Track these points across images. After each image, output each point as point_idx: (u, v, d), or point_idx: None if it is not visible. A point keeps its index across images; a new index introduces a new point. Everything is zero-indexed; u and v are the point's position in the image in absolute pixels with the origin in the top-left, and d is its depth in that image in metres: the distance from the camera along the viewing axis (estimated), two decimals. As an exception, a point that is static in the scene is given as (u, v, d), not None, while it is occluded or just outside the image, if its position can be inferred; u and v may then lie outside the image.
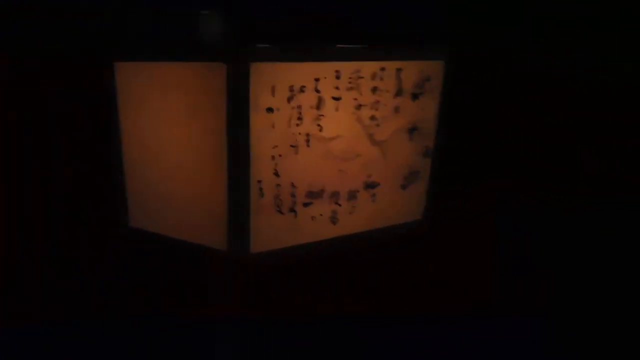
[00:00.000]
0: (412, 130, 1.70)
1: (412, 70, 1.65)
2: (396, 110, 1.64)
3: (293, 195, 1.54)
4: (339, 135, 1.56)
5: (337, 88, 1.52)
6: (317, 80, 1.47)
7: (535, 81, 1.86)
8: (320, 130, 1.52)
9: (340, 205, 1.64)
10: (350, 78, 1.53)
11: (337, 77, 1.51)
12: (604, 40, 1.83)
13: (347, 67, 1.52)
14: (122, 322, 1.46)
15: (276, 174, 1.49)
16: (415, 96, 1.68)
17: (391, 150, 1.68)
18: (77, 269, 1.34)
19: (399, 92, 1.63)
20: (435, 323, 1.73)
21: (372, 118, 1.60)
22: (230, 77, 1.37)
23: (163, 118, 1.56)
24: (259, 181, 1.47)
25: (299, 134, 1.49)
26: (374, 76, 1.57)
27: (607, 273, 1.61)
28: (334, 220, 1.64)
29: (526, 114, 1.86)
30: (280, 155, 1.48)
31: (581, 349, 1.55)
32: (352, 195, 1.65)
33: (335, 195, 1.61)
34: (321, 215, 1.61)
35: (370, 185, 1.68)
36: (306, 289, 1.78)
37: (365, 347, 1.68)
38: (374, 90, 1.58)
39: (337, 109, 1.53)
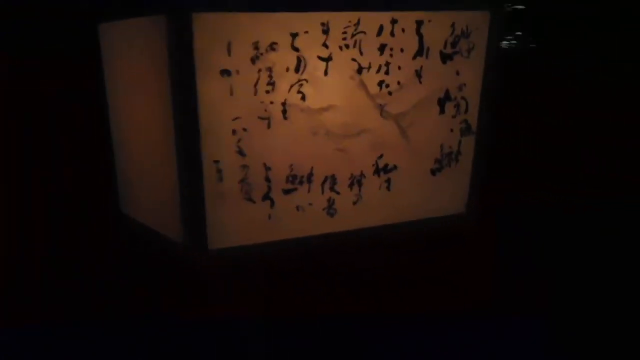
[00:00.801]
0: (444, 100, 1.37)
1: (440, 23, 1.31)
2: (418, 74, 1.32)
3: (268, 180, 1.27)
4: (331, 105, 1.26)
5: (325, 45, 1.23)
6: (294, 35, 1.20)
7: (536, 80, 1.58)
8: (303, 98, 1.24)
9: (338, 193, 1.35)
10: (344, 33, 1.23)
11: (325, 32, 1.22)
12: (605, 39, 1.61)
13: (338, 18, 1.22)
14: (121, 321, 1.36)
15: (240, 152, 1.23)
16: (446, 57, 1.34)
17: (413, 126, 1.35)
18: (77, 268, 1.24)
19: (420, 52, 1.31)
20: (435, 323, 1.58)
21: (382, 84, 1.30)
22: (170, 32, 1.14)
23: (126, 90, 1.37)
24: (216, 161, 1.22)
25: (271, 103, 1.21)
26: (380, 30, 1.27)
27: (607, 273, 1.49)
28: (330, 211, 1.36)
29: (526, 113, 1.58)
30: (244, 130, 1.21)
31: (581, 349, 1.45)
32: (356, 182, 1.35)
33: (330, 181, 1.33)
34: (311, 205, 1.33)
35: (382, 169, 1.37)
36: (288, 297, 1.53)
37: (365, 347, 1.53)
38: (382, 48, 1.27)
39: (326, 73, 1.25)
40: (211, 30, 1.14)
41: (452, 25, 1.32)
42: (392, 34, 1.27)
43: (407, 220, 1.43)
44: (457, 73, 1.36)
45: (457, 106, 1.39)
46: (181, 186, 1.23)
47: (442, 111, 1.37)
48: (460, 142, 1.42)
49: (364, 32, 1.24)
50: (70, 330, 1.42)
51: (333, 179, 1.33)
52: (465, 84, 1.37)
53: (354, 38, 1.24)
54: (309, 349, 1.51)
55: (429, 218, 1.46)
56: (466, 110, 1.40)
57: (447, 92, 1.36)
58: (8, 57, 1.11)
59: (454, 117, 1.39)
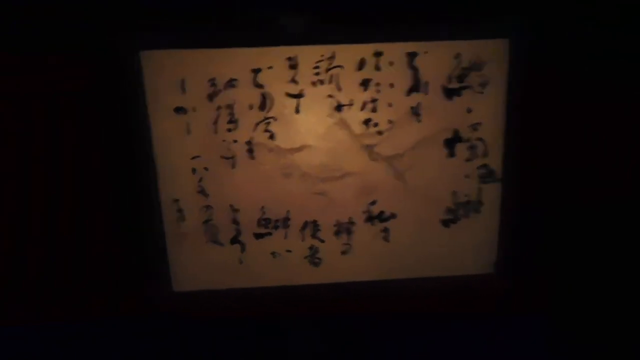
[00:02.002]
0: (453, 141, 1.23)
1: (439, 55, 1.18)
2: (415, 112, 1.21)
3: (236, 222, 1.26)
4: (305, 145, 1.21)
5: (293, 81, 1.18)
6: (256, 70, 1.17)
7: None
8: (272, 137, 1.20)
9: (322, 241, 1.29)
10: (316, 67, 1.17)
11: (292, 67, 1.17)
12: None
13: (309, 52, 1.16)
14: (121, 321, 1.44)
15: (203, 192, 1.23)
16: (452, 93, 1.21)
17: (413, 170, 1.24)
18: (77, 268, 1.36)
19: (415, 87, 1.20)
20: (435, 323, 1.47)
21: (368, 123, 1.21)
22: (118, 70, 1.17)
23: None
24: (176, 200, 1.24)
25: (234, 141, 1.20)
26: (362, 64, 1.18)
27: (607, 272, 1.40)
28: (312, 260, 1.30)
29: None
30: (206, 169, 1.21)
31: (581, 349, 1.43)
32: (344, 229, 1.28)
33: (310, 227, 1.27)
34: (289, 252, 1.29)
35: (377, 217, 1.27)
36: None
37: (365, 347, 1.47)
38: (365, 84, 1.19)
39: (298, 110, 1.20)
40: (162, 68, 1.15)
41: (457, 56, 1.18)
42: (377, 67, 1.18)
43: (412, 277, 1.31)
44: (469, 110, 1.22)
45: (472, 148, 1.24)
46: (140, 225, 1.27)
47: (451, 154, 1.24)
48: (480, 189, 1.28)
49: (341, 67, 1.17)
50: (70, 330, 1.47)
51: (314, 225, 1.27)
52: (480, 123, 1.23)
53: (330, 73, 1.17)
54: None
55: (443, 277, 1.33)
56: (485, 154, 1.25)
57: (456, 132, 1.23)
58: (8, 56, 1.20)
59: (468, 160, 1.24)
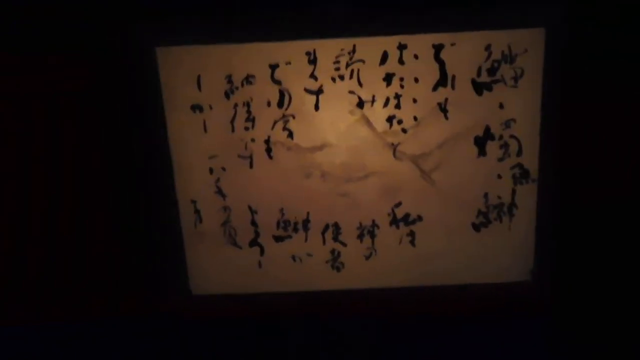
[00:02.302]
0: (484, 139, 1.16)
1: (468, 46, 1.12)
2: (441, 108, 1.15)
3: (254, 224, 1.22)
4: (326, 143, 1.16)
5: (313, 77, 1.14)
6: (273, 66, 1.13)
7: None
8: (290, 136, 1.16)
9: (344, 244, 1.24)
10: (336, 62, 1.13)
11: (311, 62, 1.13)
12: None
13: (328, 46, 1.12)
14: (121, 321, 1.44)
15: (220, 192, 1.20)
16: (482, 87, 1.14)
17: (440, 170, 1.18)
18: (77, 268, 1.36)
19: (442, 82, 1.14)
20: (435, 323, 1.39)
21: (392, 120, 1.16)
22: (133, 67, 1.15)
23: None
24: (193, 201, 1.21)
25: (252, 140, 1.16)
26: (385, 58, 1.13)
27: (607, 273, 1.38)
28: (335, 265, 1.25)
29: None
30: (223, 169, 1.18)
31: (581, 349, 1.40)
32: (367, 232, 1.23)
33: (332, 230, 1.22)
34: (310, 255, 1.24)
35: (402, 220, 1.21)
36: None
37: (364, 347, 1.40)
38: (389, 79, 1.14)
39: (317, 107, 1.15)
40: (178, 65, 1.13)
41: (488, 47, 1.11)
42: (400, 61, 1.12)
43: (441, 284, 1.25)
44: (501, 106, 1.15)
45: (505, 147, 1.17)
46: (157, 227, 1.24)
47: (482, 153, 1.17)
48: (514, 191, 1.21)
49: (363, 61, 1.13)
50: (70, 330, 1.47)
51: (336, 227, 1.22)
52: (514, 120, 1.16)
53: (350, 68, 1.13)
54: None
55: (475, 284, 1.26)
56: (519, 153, 1.18)
57: (487, 129, 1.16)
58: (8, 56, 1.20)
59: (501, 160, 1.18)
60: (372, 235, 1.23)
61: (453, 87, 1.14)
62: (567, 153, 1.22)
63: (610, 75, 1.22)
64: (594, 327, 1.36)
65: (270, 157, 1.18)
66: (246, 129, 1.16)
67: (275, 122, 1.16)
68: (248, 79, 1.13)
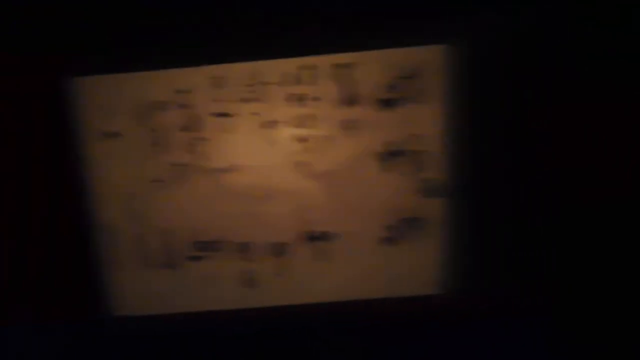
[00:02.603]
0: (389, 155, 1.21)
1: (371, 65, 1.17)
2: (346, 126, 1.19)
3: (169, 246, 1.24)
4: (236, 164, 1.20)
5: (220, 100, 1.17)
6: (181, 92, 1.17)
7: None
8: (202, 158, 1.20)
9: (257, 262, 1.26)
10: (242, 85, 1.16)
11: (218, 86, 1.17)
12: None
13: (235, 70, 1.16)
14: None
15: (135, 216, 1.22)
16: (386, 104, 1.19)
17: (349, 187, 1.22)
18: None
19: (346, 100, 1.18)
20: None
21: (299, 139, 1.20)
22: (50, 95, 1.18)
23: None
24: (110, 226, 1.23)
25: (164, 164, 1.20)
26: (289, 79, 1.17)
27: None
28: (250, 282, 1.27)
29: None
30: (137, 194, 1.21)
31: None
32: (279, 250, 1.26)
33: (246, 249, 1.25)
34: (223, 275, 1.27)
35: (313, 237, 1.25)
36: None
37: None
38: (294, 99, 1.18)
39: (227, 130, 1.19)
40: (92, 94, 1.16)
41: (390, 65, 1.16)
42: (305, 82, 1.16)
43: (355, 299, 1.28)
44: (406, 122, 1.19)
45: (413, 161, 1.21)
46: (77, 252, 1.26)
47: (390, 168, 1.21)
48: (423, 205, 1.24)
49: (269, 83, 1.16)
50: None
51: (249, 246, 1.25)
52: (421, 135, 1.20)
53: (257, 89, 1.17)
54: None
55: (389, 298, 1.29)
56: (427, 167, 1.22)
57: (394, 145, 1.20)
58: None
59: (409, 175, 1.22)
60: (285, 252, 1.26)
61: (358, 104, 1.18)
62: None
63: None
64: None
65: (184, 180, 1.20)
66: (159, 153, 1.19)
67: (186, 146, 1.18)
68: (158, 105, 1.16)
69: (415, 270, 1.28)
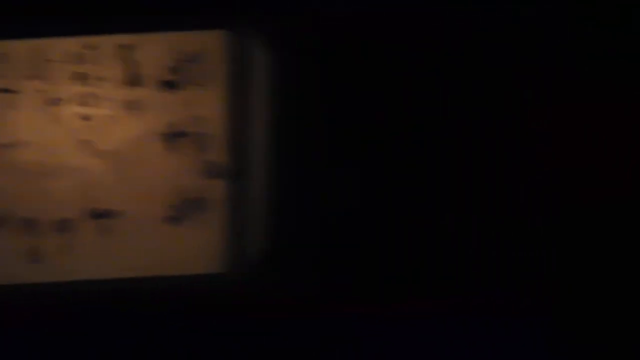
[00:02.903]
0: (173, 136, 1.27)
1: (154, 46, 1.24)
2: (130, 106, 1.25)
3: None
4: (20, 141, 1.24)
5: (4, 76, 1.21)
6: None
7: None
8: (-20, 134, 1.23)
9: (42, 238, 1.29)
10: (27, 62, 1.21)
11: (2, 61, 1.21)
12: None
13: (19, 47, 1.21)
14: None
15: None
16: (169, 86, 1.26)
17: (133, 166, 1.28)
18: None
19: (129, 80, 1.24)
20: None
21: (84, 118, 1.25)
22: None
23: None
24: None
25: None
26: (73, 58, 1.22)
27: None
28: (34, 259, 1.30)
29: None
30: None
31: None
32: (64, 226, 1.29)
33: (30, 225, 1.28)
34: (8, 250, 1.28)
35: (99, 215, 1.29)
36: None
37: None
38: (78, 78, 1.23)
39: (11, 106, 1.22)
40: None
41: (174, 48, 1.23)
42: (91, 61, 1.22)
43: (139, 277, 1.32)
44: (191, 104, 1.26)
45: (196, 143, 1.28)
46: None
47: (173, 149, 1.28)
48: (205, 186, 1.31)
49: (53, 61, 1.21)
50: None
51: (34, 222, 1.28)
52: (203, 117, 1.27)
53: (41, 67, 1.21)
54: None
55: (171, 277, 1.34)
56: (210, 149, 1.29)
57: (177, 126, 1.26)
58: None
59: (192, 156, 1.28)
60: (70, 229, 1.29)
61: (144, 85, 1.24)
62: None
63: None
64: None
65: (-36, 155, 1.23)
66: None
67: (-37, 121, 1.22)
68: None
69: (197, 250, 1.34)
